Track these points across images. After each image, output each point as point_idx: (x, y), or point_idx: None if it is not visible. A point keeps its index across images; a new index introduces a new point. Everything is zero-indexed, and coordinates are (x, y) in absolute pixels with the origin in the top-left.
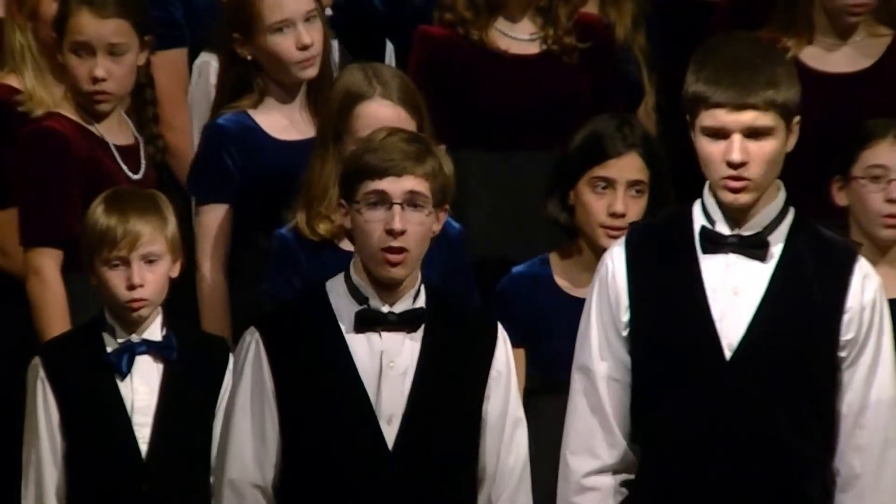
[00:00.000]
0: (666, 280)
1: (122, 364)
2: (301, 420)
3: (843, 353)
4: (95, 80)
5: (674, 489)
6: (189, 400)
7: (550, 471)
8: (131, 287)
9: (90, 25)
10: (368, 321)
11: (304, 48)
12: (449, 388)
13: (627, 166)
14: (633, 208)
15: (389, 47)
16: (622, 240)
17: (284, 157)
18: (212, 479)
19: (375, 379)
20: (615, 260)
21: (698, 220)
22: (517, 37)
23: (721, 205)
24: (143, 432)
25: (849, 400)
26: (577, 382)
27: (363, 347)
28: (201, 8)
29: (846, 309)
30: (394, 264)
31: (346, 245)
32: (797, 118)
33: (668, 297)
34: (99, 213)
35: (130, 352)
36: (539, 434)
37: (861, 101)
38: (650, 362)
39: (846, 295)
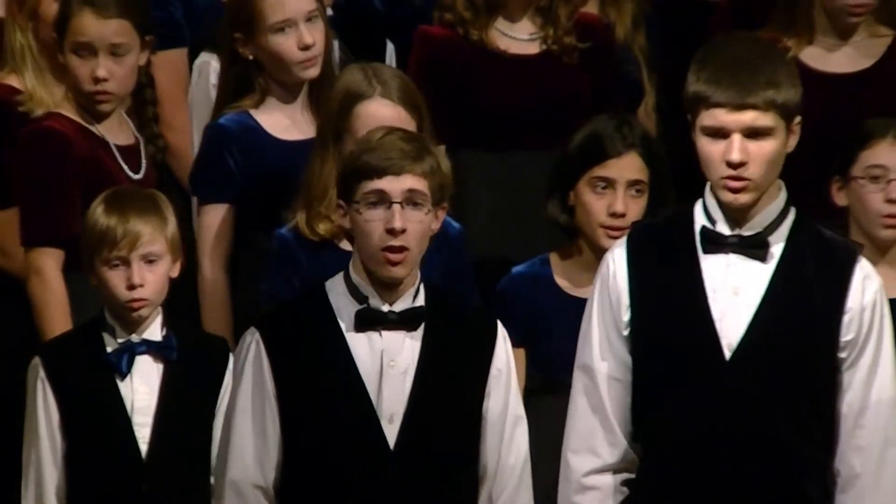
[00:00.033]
0: (666, 280)
1: (122, 364)
2: (302, 420)
3: (843, 354)
4: (97, 81)
5: (674, 489)
6: (189, 400)
7: (550, 470)
8: (131, 287)
9: (92, 26)
10: (368, 320)
11: (305, 48)
12: (450, 387)
13: (627, 166)
14: (633, 208)
15: (390, 47)
16: (623, 239)
17: (286, 157)
18: (212, 480)
19: (376, 378)
20: (616, 260)
21: (699, 220)
22: (517, 37)
23: (722, 205)
24: (143, 432)
25: (849, 400)
26: (578, 382)
27: (363, 347)
28: (201, 8)
29: (846, 310)
30: (394, 263)
31: (346, 245)
32: (798, 119)
33: (669, 296)
34: (99, 212)
35: (130, 352)
36: (539, 434)
37: (861, 102)
38: (650, 362)
39: (846, 296)
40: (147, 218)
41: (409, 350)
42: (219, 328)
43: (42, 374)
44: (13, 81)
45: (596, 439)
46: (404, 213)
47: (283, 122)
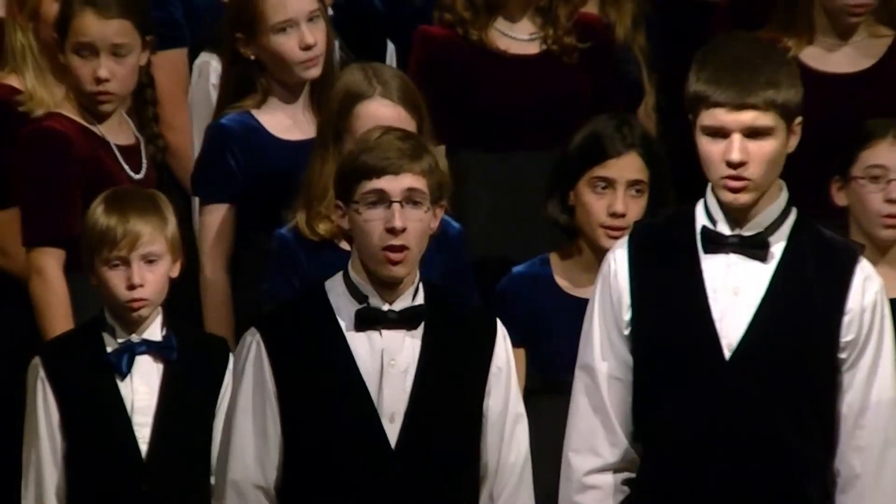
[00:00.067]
0: (667, 280)
1: (122, 364)
2: (303, 420)
3: (843, 355)
4: (99, 81)
5: (674, 489)
6: (189, 400)
7: (550, 470)
8: (131, 287)
9: (93, 26)
10: (368, 320)
11: (307, 48)
12: (450, 386)
13: (627, 166)
14: (633, 208)
15: (390, 47)
16: (625, 239)
17: (288, 157)
18: (213, 480)
19: (377, 377)
20: (618, 259)
21: (700, 220)
22: (517, 37)
23: (722, 205)
24: (143, 432)
25: (849, 401)
26: (579, 381)
27: (364, 346)
28: (201, 8)
29: (846, 310)
30: (395, 262)
31: (346, 245)
32: (799, 119)
33: (669, 296)
34: (99, 213)
35: (130, 352)
36: (539, 434)
37: (862, 102)
38: (651, 362)
39: (846, 296)
40: (147, 218)
41: (410, 349)
42: (220, 328)
43: (42, 374)
44: (13, 81)
45: (597, 439)
46: (404, 211)
47: (285, 122)
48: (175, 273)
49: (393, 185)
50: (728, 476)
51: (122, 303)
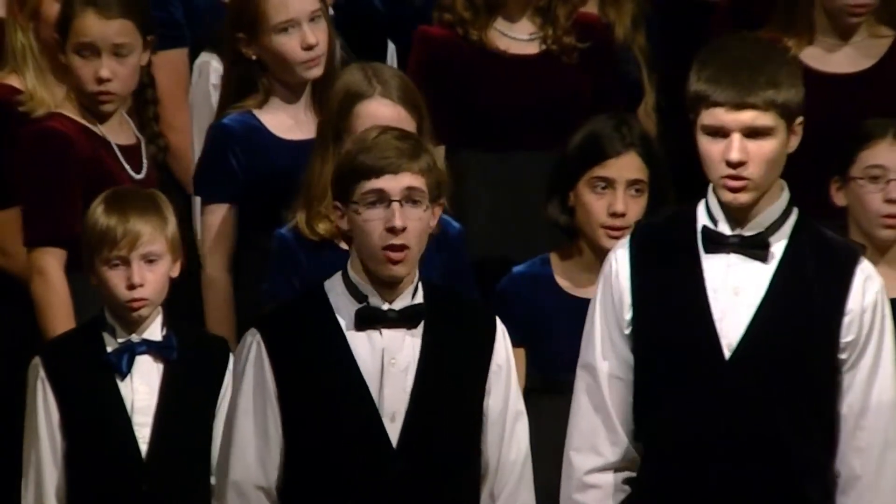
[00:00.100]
0: (668, 279)
1: (122, 364)
2: (304, 420)
3: (843, 355)
4: (100, 81)
5: (674, 489)
6: (189, 400)
7: (551, 470)
8: (131, 287)
9: (95, 26)
10: (368, 319)
11: (308, 48)
12: (450, 384)
13: (626, 166)
14: (633, 208)
15: (391, 47)
16: (626, 239)
17: (289, 157)
18: (213, 481)
19: (377, 377)
20: (619, 259)
21: (701, 220)
22: (516, 37)
23: (723, 205)
24: (143, 432)
25: (849, 401)
26: (580, 380)
27: (364, 345)
28: (201, 8)
29: (847, 311)
30: (395, 262)
31: (346, 245)
32: (800, 119)
33: (670, 296)
34: (99, 212)
35: (130, 352)
36: (539, 434)
37: (862, 102)
38: (651, 361)
39: (847, 297)
40: (147, 218)
41: (410, 348)
42: (222, 328)
43: (42, 373)
44: (14, 81)
45: (598, 438)
46: (403, 211)
47: (287, 121)
48: (175, 273)
49: (392, 184)
50: (728, 476)
51: (122, 303)
